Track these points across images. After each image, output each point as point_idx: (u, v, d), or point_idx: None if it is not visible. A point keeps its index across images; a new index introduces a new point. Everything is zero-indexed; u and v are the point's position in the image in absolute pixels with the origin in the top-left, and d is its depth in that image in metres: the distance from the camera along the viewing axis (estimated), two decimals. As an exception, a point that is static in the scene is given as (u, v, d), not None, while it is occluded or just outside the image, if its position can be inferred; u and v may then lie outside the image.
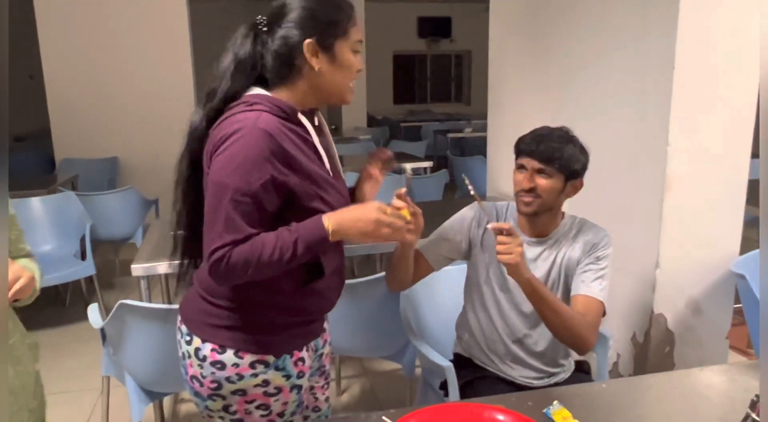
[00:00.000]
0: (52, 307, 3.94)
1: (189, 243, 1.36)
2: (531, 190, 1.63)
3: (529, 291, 1.52)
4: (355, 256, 4.38)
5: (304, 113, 1.28)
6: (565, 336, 1.57)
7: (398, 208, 1.28)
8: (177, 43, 5.36)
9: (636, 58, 2.30)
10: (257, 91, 1.25)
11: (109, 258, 4.78)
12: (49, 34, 5.17)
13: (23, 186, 4.25)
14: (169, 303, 2.85)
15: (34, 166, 6.01)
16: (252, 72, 1.25)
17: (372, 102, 9.26)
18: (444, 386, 1.88)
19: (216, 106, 1.26)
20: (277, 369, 1.30)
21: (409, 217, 1.28)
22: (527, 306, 1.70)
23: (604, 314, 1.64)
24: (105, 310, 3.55)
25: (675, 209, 2.22)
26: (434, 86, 12.86)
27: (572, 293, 1.64)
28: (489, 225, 1.51)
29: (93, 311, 2.05)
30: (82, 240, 3.71)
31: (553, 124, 1.71)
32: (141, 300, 2.38)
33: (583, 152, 1.65)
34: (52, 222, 3.74)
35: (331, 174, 1.31)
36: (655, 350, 2.34)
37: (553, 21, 2.87)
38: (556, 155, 1.60)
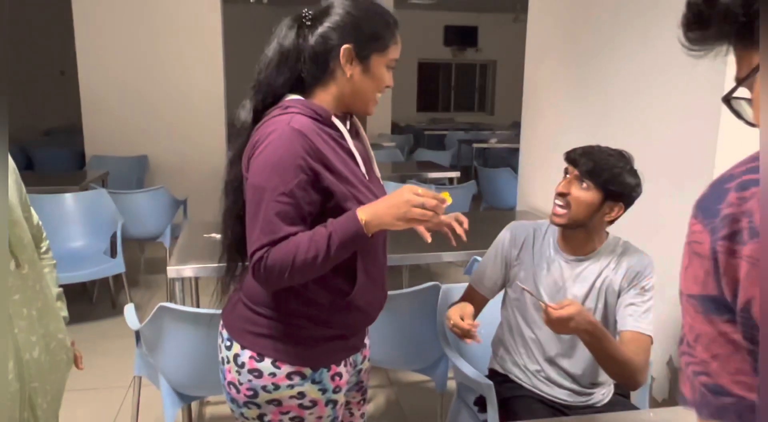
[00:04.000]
0: (78, 304, 3.97)
1: (234, 248, 1.35)
2: (563, 196, 1.63)
3: (585, 340, 1.47)
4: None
5: (337, 117, 1.29)
6: (618, 377, 1.57)
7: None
8: (210, 45, 5.41)
9: (683, 76, 2.26)
10: (293, 97, 1.27)
11: (135, 256, 4.82)
12: (86, 31, 5.23)
13: (55, 181, 4.30)
14: (198, 306, 2.85)
15: (64, 161, 6.09)
16: (295, 65, 1.26)
17: (395, 109, 9.24)
18: (478, 402, 1.86)
19: (262, 98, 1.27)
20: (313, 382, 1.29)
21: (449, 200, 1.22)
22: None
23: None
24: (132, 308, 3.57)
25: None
26: (458, 95, 12.83)
27: (620, 327, 1.61)
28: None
29: (130, 312, 2.05)
30: (111, 237, 3.74)
31: (592, 140, 1.69)
32: (174, 302, 2.38)
33: (633, 176, 1.60)
34: (83, 219, 3.76)
35: (366, 177, 1.31)
36: (691, 375, 2.29)
37: (595, 34, 2.84)
38: (598, 170, 1.58)
